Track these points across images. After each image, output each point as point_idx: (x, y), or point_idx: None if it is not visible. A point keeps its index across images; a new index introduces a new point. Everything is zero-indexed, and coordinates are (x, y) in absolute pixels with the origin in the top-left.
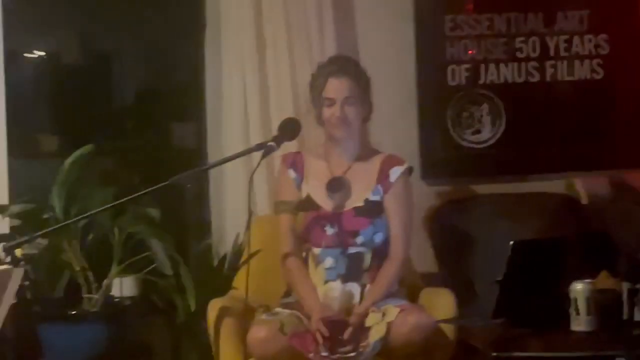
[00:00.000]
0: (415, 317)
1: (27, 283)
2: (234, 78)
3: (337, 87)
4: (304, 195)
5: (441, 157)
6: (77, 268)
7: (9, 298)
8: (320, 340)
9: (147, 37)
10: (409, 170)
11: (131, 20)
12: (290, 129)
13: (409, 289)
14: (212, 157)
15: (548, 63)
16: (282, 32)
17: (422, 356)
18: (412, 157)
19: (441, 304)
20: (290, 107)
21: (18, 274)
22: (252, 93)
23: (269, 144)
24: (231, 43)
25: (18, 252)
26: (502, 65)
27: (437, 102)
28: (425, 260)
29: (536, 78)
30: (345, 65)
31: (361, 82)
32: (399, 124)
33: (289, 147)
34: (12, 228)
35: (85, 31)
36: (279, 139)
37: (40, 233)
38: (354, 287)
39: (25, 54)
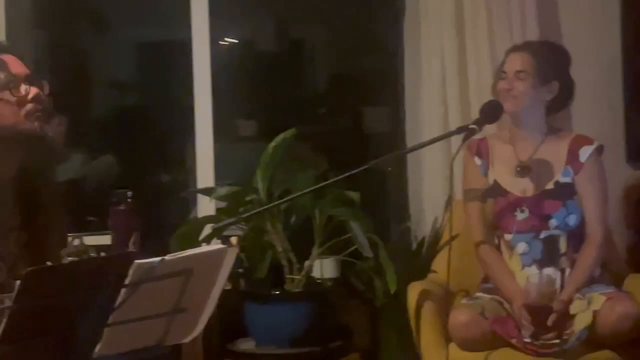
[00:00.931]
0: (623, 305)
1: (240, 270)
2: (433, 61)
3: (511, 61)
4: (490, 181)
5: None
6: (280, 249)
7: (224, 277)
8: (527, 325)
9: (341, 22)
10: (600, 149)
11: (325, 6)
12: (492, 111)
13: (613, 274)
14: (410, 141)
15: None
16: (482, 16)
17: (630, 345)
18: (618, 140)
19: None
20: (489, 91)
21: (232, 253)
22: (451, 77)
23: (471, 126)
24: (430, 26)
25: (233, 239)
26: None
27: None
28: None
29: None
30: (530, 43)
31: (543, 60)
32: (603, 106)
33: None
34: (217, 210)
35: (280, 18)
36: (480, 122)
37: (247, 215)
38: (553, 272)
39: (223, 42)
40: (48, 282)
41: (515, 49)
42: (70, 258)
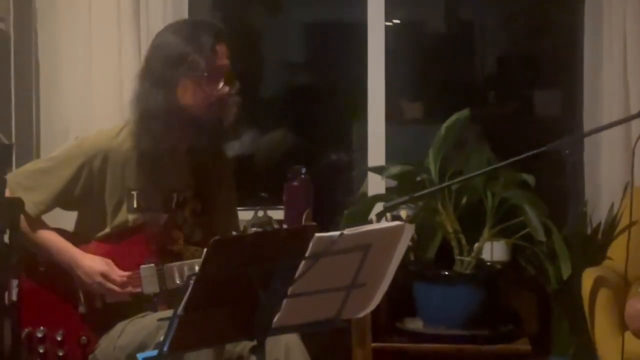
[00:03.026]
0: None
1: (410, 244)
2: (614, 44)
3: None
4: None
5: None
6: (450, 230)
7: (400, 254)
8: None
9: (512, 3)
10: None
11: None
12: None
13: None
14: (587, 125)
15: None
16: None
17: None
18: None
19: None
20: None
21: (409, 231)
22: (633, 59)
23: None
24: (612, 8)
25: (403, 214)
26: None
27: None
28: None
29: None
30: None
31: None
32: None
33: None
34: (387, 189)
35: None
36: None
37: (419, 194)
38: None
39: (389, 23)
40: (233, 252)
41: None
42: (254, 229)
